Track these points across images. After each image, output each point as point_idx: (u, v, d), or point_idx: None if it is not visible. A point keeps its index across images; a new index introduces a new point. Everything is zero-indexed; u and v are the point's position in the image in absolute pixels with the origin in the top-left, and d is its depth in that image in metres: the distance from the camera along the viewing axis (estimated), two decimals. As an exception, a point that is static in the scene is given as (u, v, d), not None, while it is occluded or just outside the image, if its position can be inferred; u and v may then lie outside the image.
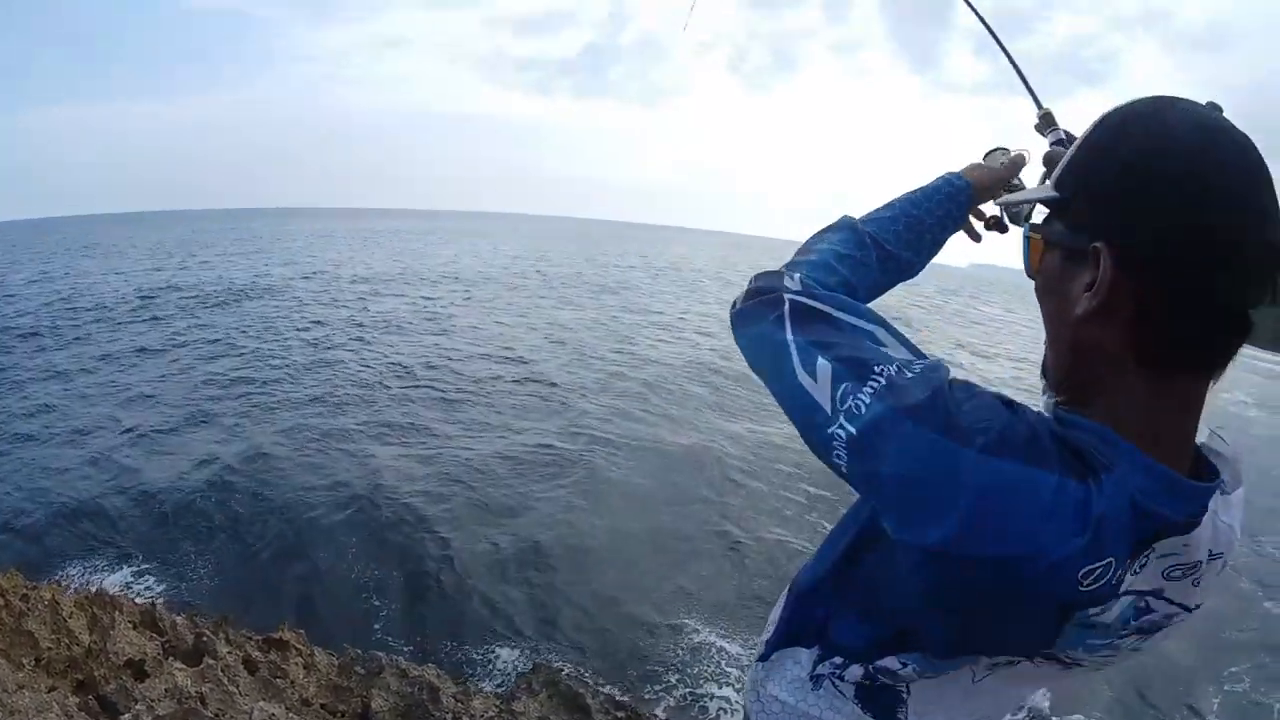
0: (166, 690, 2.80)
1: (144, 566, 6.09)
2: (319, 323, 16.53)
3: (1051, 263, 0.68)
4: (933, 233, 0.95)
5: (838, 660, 0.80)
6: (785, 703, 0.84)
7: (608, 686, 4.69)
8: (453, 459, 8.47)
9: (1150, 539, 0.58)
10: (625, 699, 4.44)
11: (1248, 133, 0.59)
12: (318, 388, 11.18)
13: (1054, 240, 0.67)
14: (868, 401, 0.61)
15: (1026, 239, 0.72)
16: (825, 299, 0.73)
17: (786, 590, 0.91)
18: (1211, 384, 0.62)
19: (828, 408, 0.63)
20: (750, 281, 0.81)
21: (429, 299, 19.99)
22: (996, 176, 0.98)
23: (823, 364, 0.65)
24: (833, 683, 0.80)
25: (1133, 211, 0.59)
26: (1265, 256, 0.57)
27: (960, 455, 0.56)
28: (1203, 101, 0.62)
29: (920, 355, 0.69)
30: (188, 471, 7.84)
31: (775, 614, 0.91)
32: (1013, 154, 1.00)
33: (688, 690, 4.95)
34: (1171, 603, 0.63)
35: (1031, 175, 0.98)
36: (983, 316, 35.63)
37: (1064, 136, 0.96)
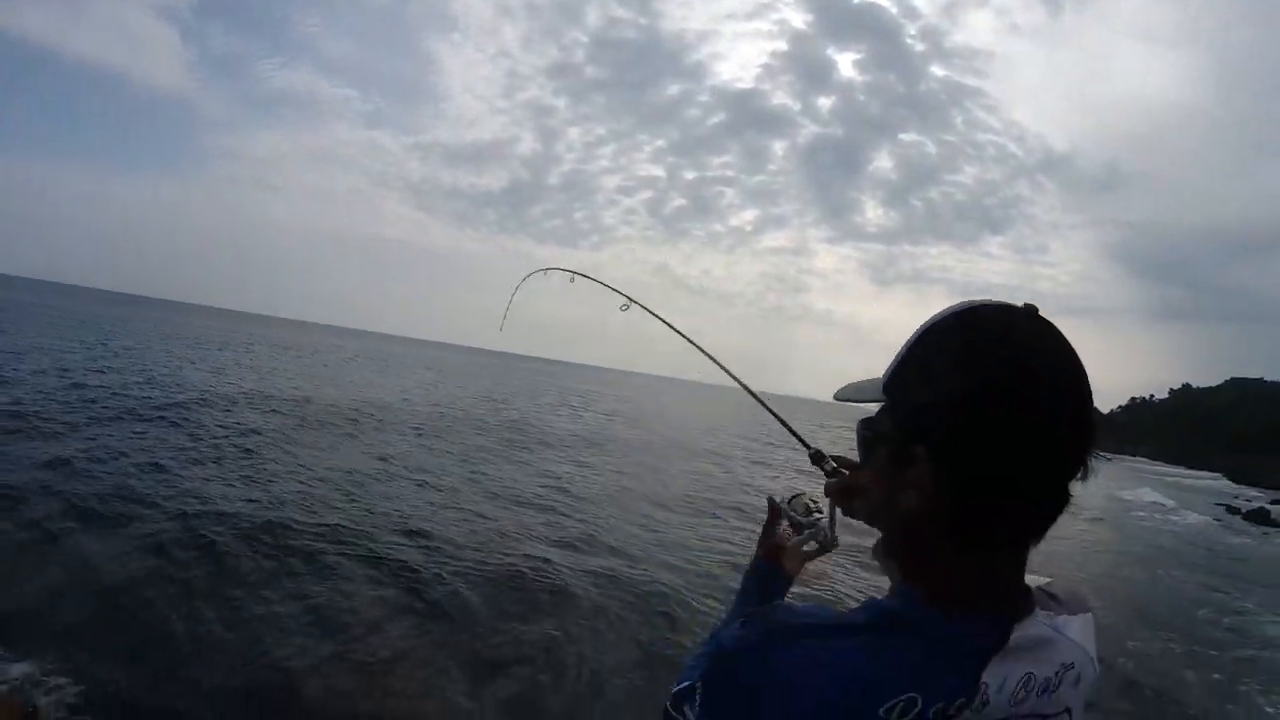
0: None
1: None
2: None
3: (879, 458, 0.73)
4: None
5: None
6: None
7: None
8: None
9: (976, 673, 0.62)
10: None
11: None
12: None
13: (880, 437, 0.73)
14: None
15: (859, 434, 0.78)
16: None
17: None
18: (1033, 545, 0.67)
19: None
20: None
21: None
22: (789, 547, 1.14)
23: None
24: None
25: (950, 417, 0.64)
26: (1080, 444, 0.63)
27: None
28: (1020, 304, 0.67)
29: None
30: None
31: None
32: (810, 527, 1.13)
33: None
34: (1034, 715, 0.67)
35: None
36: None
37: (834, 465, 1.10)
